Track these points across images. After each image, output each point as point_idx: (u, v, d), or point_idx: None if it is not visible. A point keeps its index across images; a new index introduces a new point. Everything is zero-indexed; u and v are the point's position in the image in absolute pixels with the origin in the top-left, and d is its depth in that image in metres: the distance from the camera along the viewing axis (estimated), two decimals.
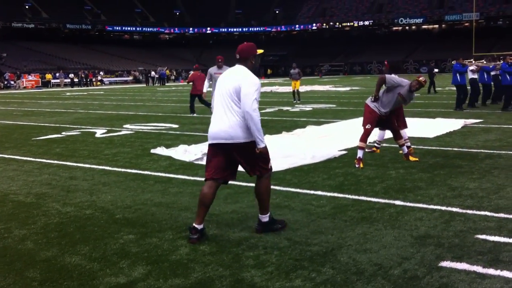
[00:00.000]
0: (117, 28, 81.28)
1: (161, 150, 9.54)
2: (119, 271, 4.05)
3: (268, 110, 18.76)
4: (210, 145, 4.83)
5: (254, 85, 4.66)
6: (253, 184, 5.50)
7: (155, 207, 5.89)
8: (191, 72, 18.22)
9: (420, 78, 8.13)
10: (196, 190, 6.61)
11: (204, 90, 12.99)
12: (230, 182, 5.09)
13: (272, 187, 6.56)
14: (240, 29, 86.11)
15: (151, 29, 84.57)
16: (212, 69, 12.48)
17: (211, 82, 12.35)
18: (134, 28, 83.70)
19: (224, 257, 4.29)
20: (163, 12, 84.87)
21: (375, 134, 9.06)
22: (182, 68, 70.69)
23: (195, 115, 16.87)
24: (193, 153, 8.90)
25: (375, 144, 9.22)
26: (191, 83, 17.02)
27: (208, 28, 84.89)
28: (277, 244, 4.57)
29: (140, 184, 7.10)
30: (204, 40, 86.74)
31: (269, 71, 71.91)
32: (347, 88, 33.89)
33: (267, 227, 4.90)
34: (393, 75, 8.43)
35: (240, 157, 4.76)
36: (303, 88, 30.13)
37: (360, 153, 7.97)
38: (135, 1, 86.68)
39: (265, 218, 4.90)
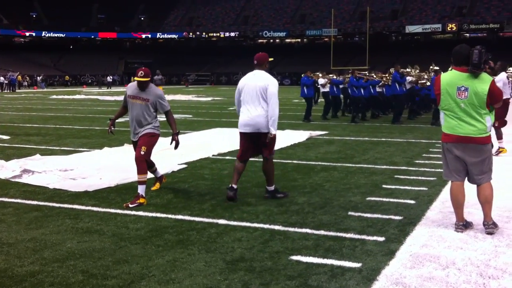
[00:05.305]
0: None
1: None
2: None
3: (120, 120, 17.77)
4: (241, 133, 6.40)
5: (276, 86, 6.30)
6: (68, 205, 6.20)
7: None
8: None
9: None
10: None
11: None
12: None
13: (89, 208, 6.03)
14: (103, 35, 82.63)
15: (4, 32, 78.17)
16: None
17: None
18: None
19: None
20: (18, 14, 78.87)
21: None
22: (40, 73, 66.04)
23: None
24: (11, 169, 7.88)
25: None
26: None
27: (68, 33, 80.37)
28: (69, 279, 3.95)
29: None
30: (63, 44, 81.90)
31: (133, 79, 69.81)
32: (209, 98, 33.76)
33: (272, 194, 6.40)
34: None
35: (262, 141, 6.25)
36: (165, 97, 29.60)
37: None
38: None
39: (271, 188, 6.44)
